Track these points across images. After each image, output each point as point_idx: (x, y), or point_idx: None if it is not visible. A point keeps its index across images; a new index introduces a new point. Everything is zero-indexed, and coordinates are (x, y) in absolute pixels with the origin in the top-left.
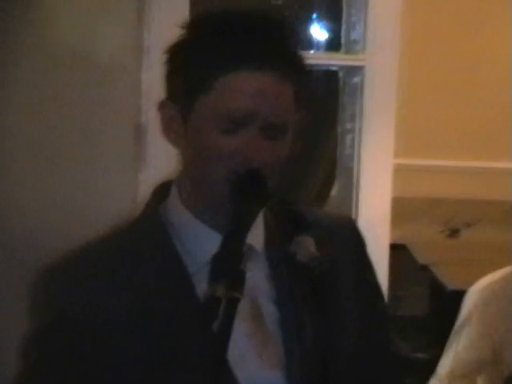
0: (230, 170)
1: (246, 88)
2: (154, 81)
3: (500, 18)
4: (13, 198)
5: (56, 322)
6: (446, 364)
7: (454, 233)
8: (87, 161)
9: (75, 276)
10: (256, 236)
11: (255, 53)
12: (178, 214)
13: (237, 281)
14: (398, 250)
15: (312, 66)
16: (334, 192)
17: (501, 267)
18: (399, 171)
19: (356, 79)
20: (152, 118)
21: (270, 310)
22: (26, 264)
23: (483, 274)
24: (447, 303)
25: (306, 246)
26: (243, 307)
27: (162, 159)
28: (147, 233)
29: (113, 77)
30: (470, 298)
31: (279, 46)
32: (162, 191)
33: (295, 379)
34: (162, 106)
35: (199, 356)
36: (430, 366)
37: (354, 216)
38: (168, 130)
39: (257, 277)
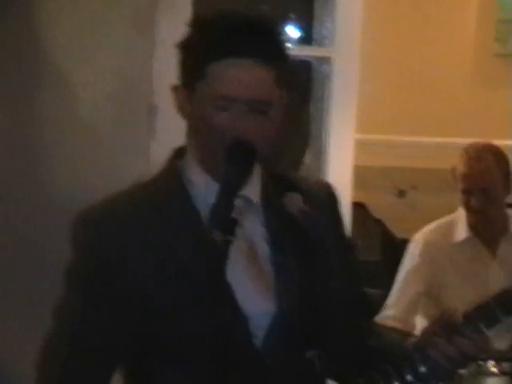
0: (223, 139)
1: (233, 72)
2: (163, 69)
3: (457, 5)
4: (50, 167)
5: (92, 264)
6: (393, 296)
7: (401, 194)
8: (109, 135)
9: (109, 223)
10: (253, 190)
11: (240, 43)
12: (192, 170)
13: (229, 227)
14: (358, 208)
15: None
16: (306, 160)
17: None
18: (361, 144)
19: (325, 67)
20: (162, 99)
21: (263, 250)
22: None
23: (425, 225)
24: (397, 250)
25: (295, 201)
26: (241, 247)
27: (170, 133)
28: (168, 185)
29: (130, 66)
30: (412, 244)
31: (261, 37)
32: (178, 152)
33: (285, 310)
34: (174, 90)
35: (206, 286)
36: (382, 302)
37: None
38: (181, 108)
39: (253, 223)
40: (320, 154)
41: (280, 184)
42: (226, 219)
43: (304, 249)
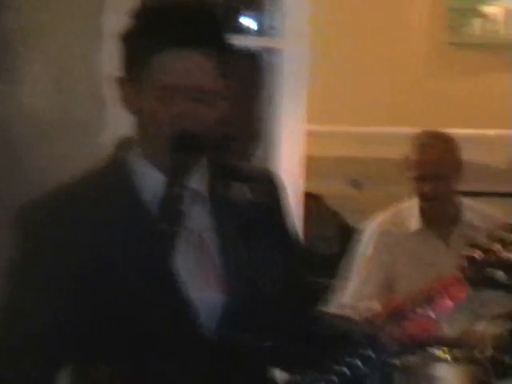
0: (167, 131)
1: (175, 62)
2: (112, 59)
3: None
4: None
5: (32, 252)
6: (352, 286)
7: (357, 184)
8: (57, 126)
9: (50, 212)
10: (200, 182)
11: (182, 33)
12: (138, 162)
13: (175, 218)
14: (313, 199)
15: (240, 46)
16: (257, 151)
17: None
18: (316, 135)
19: (274, 58)
20: (112, 90)
21: (211, 240)
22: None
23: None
24: (353, 241)
25: (241, 191)
26: (190, 239)
27: (119, 124)
28: (113, 178)
29: (79, 57)
30: (365, 232)
31: (202, 26)
32: (123, 144)
33: (234, 299)
34: (117, 82)
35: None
36: None
37: (274, 170)
38: (125, 100)
39: (201, 214)
40: (270, 145)
41: (226, 174)
42: (172, 211)
43: (250, 238)
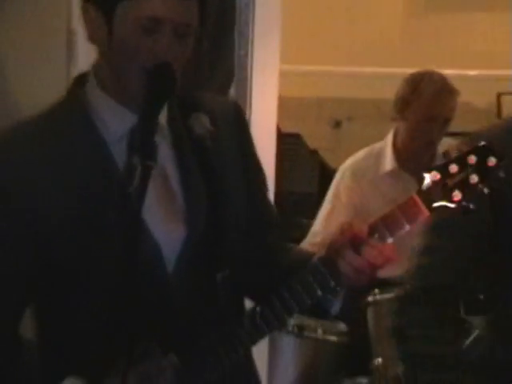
0: (147, 63)
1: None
2: None
3: None
4: None
5: None
6: (319, 223)
7: (337, 124)
8: (26, 60)
9: (7, 153)
10: (162, 113)
11: None
12: (96, 95)
13: (150, 151)
14: (293, 138)
15: None
16: (232, 88)
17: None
18: (296, 75)
19: None
20: (81, 23)
21: (173, 173)
22: None
23: None
24: (331, 180)
25: (202, 122)
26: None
27: (89, 58)
28: (71, 114)
29: None
30: (340, 172)
31: None
32: (80, 79)
33: (195, 233)
34: (84, 11)
35: (119, 217)
36: None
37: (247, 111)
38: (93, 31)
39: (162, 145)
40: (244, 84)
41: (186, 104)
42: (147, 144)
43: (211, 170)
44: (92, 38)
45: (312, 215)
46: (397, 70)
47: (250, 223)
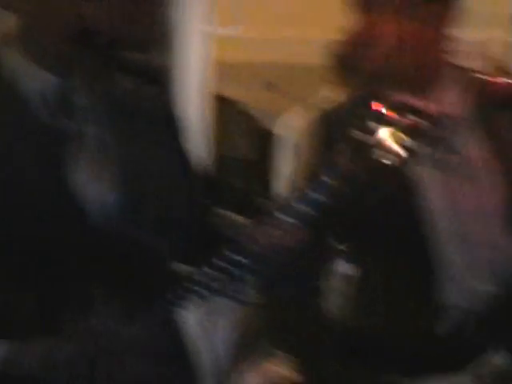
0: (72, 27)
1: None
2: None
3: None
4: None
5: None
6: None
7: (272, 88)
8: None
9: None
10: (84, 73)
11: None
12: (15, 57)
13: (72, 112)
14: (226, 102)
15: None
16: (162, 55)
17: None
18: (229, 39)
19: None
20: None
21: (95, 134)
22: None
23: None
24: (266, 144)
25: (125, 82)
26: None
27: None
28: None
29: None
30: (279, 134)
31: None
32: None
33: (122, 192)
34: None
35: (44, 176)
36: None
37: (179, 76)
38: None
39: (84, 108)
40: (176, 48)
41: (109, 65)
42: (71, 105)
43: (135, 130)
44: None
45: (251, 180)
46: (332, 36)
47: (180, 188)
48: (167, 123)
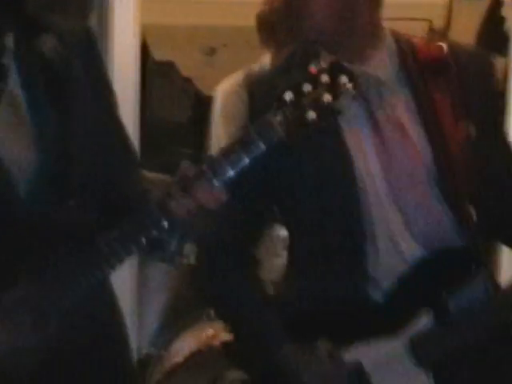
0: None
1: None
2: None
3: None
4: None
5: None
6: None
7: (212, 51)
8: None
9: None
10: (8, 34)
11: None
12: None
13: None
14: (166, 67)
15: None
16: (91, 20)
17: None
18: (167, 2)
19: None
20: None
21: (21, 96)
22: None
23: None
24: (206, 108)
25: (51, 43)
26: None
27: None
28: None
29: None
30: (218, 96)
31: None
32: None
33: (46, 157)
34: None
35: None
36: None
37: (109, 37)
38: None
39: (10, 69)
40: (106, 13)
41: (34, 25)
42: None
43: (59, 92)
44: None
45: (185, 143)
46: None
47: (99, 149)
48: (96, 86)
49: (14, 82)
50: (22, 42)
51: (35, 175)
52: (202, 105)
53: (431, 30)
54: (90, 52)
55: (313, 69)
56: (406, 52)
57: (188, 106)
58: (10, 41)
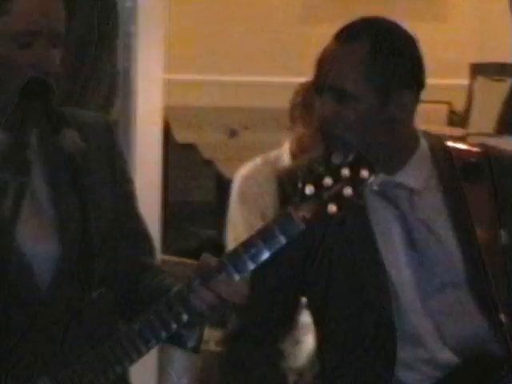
0: (21, 78)
1: (35, 4)
2: None
3: None
4: None
5: None
6: (229, 237)
7: (233, 133)
8: None
9: None
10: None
11: None
12: None
13: (23, 167)
14: (188, 149)
15: None
16: (117, 101)
17: None
18: (190, 84)
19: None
20: None
21: (43, 189)
22: None
23: None
24: (227, 191)
25: (72, 138)
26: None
27: None
28: None
29: None
30: (236, 180)
31: None
32: None
33: (68, 252)
34: None
35: None
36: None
37: (132, 122)
38: None
39: (32, 163)
40: (129, 95)
41: (56, 120)
42: (20, 160)
43: (81, 186)
44: None
45: (208, 225)
46: (293, 79)
47: (119, 240)
48: (114, 178)
49: (36, 177)
50: (44, 137)
51: (57, 267)
52: (223, 187)
53: (451, 112)
54: (109, 144)
55: (334, 161)
56: (440, 157)
57: (209, 189)
58: (33, 136)
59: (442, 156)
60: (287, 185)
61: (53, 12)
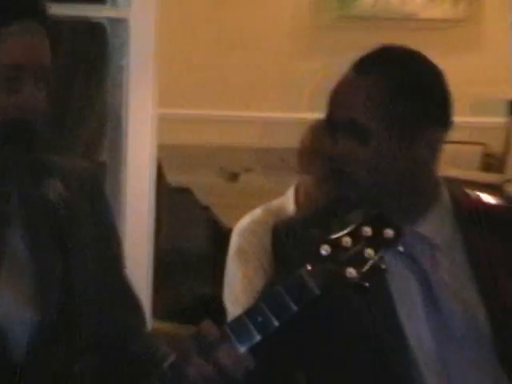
0: (5, 119)
1: (20, 38)
2: None
3: None
4: None
5: None
6: (227, 298)
7: (233, 177)
8: None
9: None
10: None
11: (24, 5)
12: None
13: (2, 222)
14: (182, 194)
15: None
16: (106, 141)
17: None
18: (186, 122)
19: (121, 33)
20: None
21: (23, 247)
22: None
23: None
24: (226, 241)
25: (56, 188)
26: None
27: None
28: None
29: None
30: (234, 233)
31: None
32: None
33: (47, 312)
34: None
35: None
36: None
37: (123, 163)
38: None
39: (12, 217)
40: (120, 133)
41: (38, 169)
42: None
43: (64, 244)
44: None
45: (204, 279)
46: (301, 114)
47: (104, 303)
48: (100, 233)
49: (15, 232)
50: (25, 187)
51: (35, 335)
52: (220, 236)
53: (486, 155)
54: (96, 197)
55: (353, 221)
56: (463, 209)
57: (205, 237)
58: (14, 185)
59: (466, 208)
60: (284, 239)
61: (39, 49)
